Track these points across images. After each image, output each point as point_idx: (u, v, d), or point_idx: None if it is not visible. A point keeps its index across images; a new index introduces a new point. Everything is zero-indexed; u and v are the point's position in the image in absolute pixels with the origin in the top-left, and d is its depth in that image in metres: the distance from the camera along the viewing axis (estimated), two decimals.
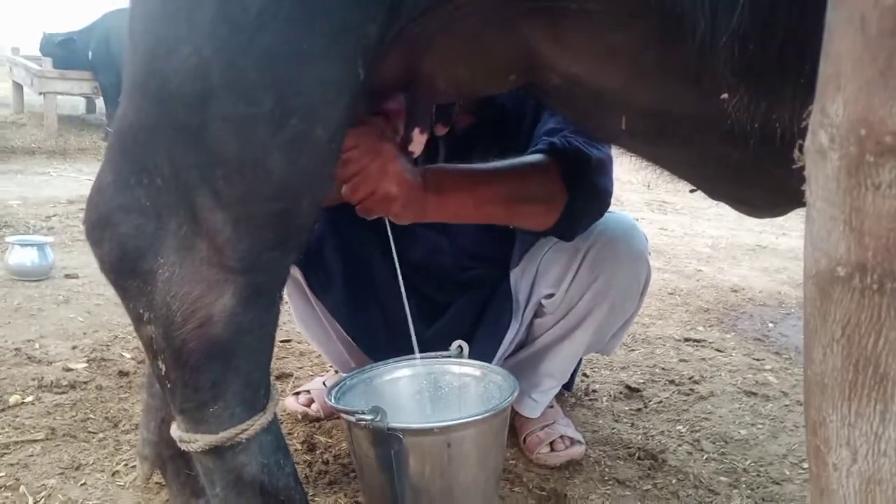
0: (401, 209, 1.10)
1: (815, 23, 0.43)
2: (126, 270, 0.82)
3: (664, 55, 0.77)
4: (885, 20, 0.33)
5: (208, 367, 0.83)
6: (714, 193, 1.08)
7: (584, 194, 1.23)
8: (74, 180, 4.65)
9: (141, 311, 0.83)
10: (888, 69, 0.33)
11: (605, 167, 1.26)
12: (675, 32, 0.71)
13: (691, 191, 1.09)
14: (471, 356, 1.29)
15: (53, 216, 3.48)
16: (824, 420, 0.39)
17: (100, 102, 7.00)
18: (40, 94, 6.29)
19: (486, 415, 1.08)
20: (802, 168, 0.39)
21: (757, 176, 0.88)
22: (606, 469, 1.46)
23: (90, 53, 6.28)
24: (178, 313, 0.81)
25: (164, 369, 0.85)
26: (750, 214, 1.10)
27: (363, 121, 1.04)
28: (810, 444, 0.42)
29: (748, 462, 1.52)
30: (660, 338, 2.31)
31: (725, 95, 0.73)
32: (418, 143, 1.05)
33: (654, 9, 0.70)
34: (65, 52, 6.34)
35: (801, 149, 0.40)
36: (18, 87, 7.15)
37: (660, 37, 0.75)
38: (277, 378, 1.82)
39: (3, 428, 1.44)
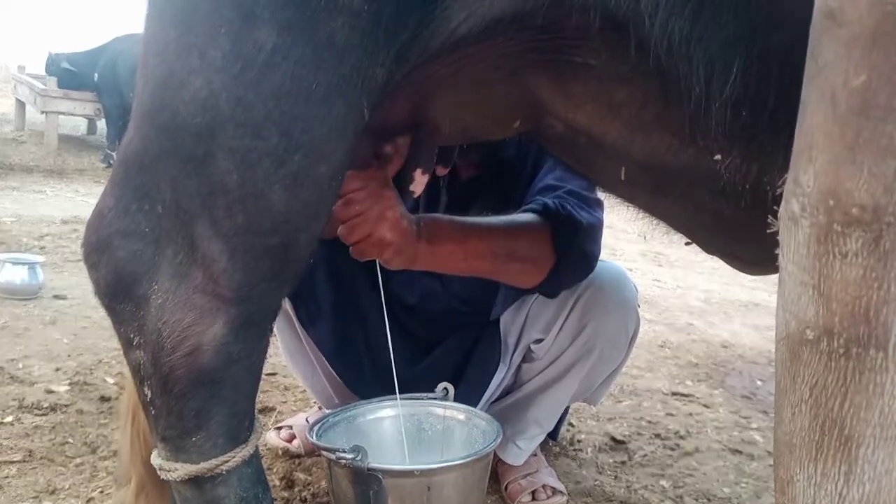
0: (392, 255, 1.13)
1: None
2: (120, 294, 0.83)
3: (663, 114, 0.80)
4: (853, 99, 0.36)
5: (194, 396, 0.83)
6: (708, 247, 1.10)
7: (572, 258, 1.26)
8: (70, 200, 4.67)
9: (131, 335, 0.83)
10: (856, 145, 0.36)
11: (594, 232, 1.30)
12: (672, 94, 0.75)
13: (687, 243, 1.12)
14: (457, 397, 1.29)
15: (46, 235, 3.48)
16: (792, 479, 0.40)
17: (101, 124, 7.06)
18: (43, 112, 6.35)
19: (468, 459, 1.07)
20: (776, 232, 0.41)
21: (749, 233, 0.91)
22: None
23: (96, 75, 6.37)
24: (168, 340, 0.81)
25: (149, 395, 0.85)
26: (742, 270, 1.12)
27: (369, 164, 1.07)
28: (779, 503, 0.43)
29: None
30: (647, 390, 2.30)
31: (719, 156, 0.76)
32: (419, 183, 1.08)
33: (653, 71, 0.73)
34: (68, 75, 6.42)
35: (775, 215, 0.42)
36: (21, 105, 7.21)
37: (659, 97, 0.79)
38: (260, 411, 1.80)
39: None
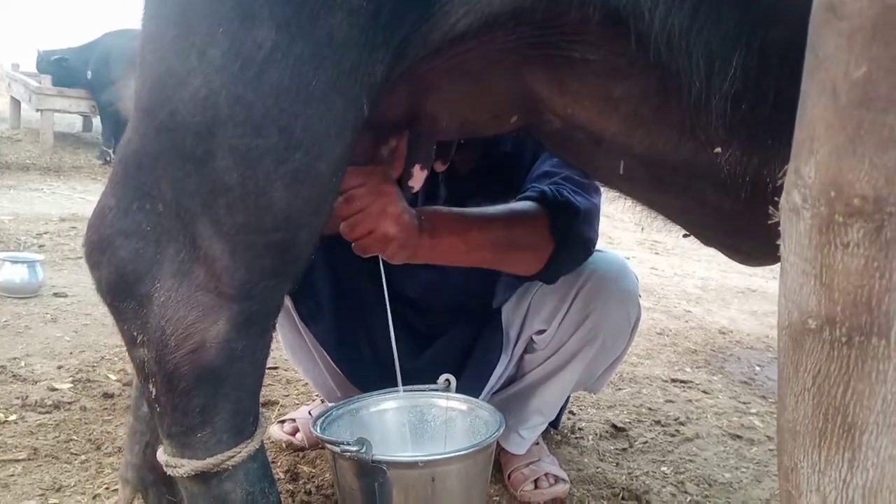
0: (396, 249, 1.13)
1: None
2: (122, 293, 0.83)
3: (662, 107, 0.80)
4: (854, 91, 0.36)
5: (199, 393, 0.84)
6: (707, 240, 1.10)
7: (570, 244, 1.27)
8: (67, 198, 4.66)
9: (135, 333, 0.84)
10: (857, 136, 0.36)
11: (591, 217, 1.30)
12: (672, 88, 0.75)
13: (684, 235, 1.12)
14: (459, 389, 1.29)
15: (45, 233, 3.47)
16: (796, 466, 0.41)
17: (96, 121, 7.03)
18: (38, 110, 6.32)
19: (472, 450, 1.08)
20: (778, 223, 0.42)
21: (749, 226, 0.91)
22: None
23: (89, 73, 6.32)
24: (171, 337, 0.82)
25: (154, 393, 0.85)
26: (743, 262, 1.12)
27: (368, 160, 1.07)
28: (782, 489, 0.43)
29: None
30: (647, 378, 2.32)
31: (719, 149, 0.76)
32: (418, 178, 1.08)
33: (653, 65, 0.73)
34: (60, 71, 6.38)
35: (776, 206, 0.42)
36: (16, 103, 7.18)
37: (658, 91, 0.79)
38: (263, 405, 1.81)
39: None
